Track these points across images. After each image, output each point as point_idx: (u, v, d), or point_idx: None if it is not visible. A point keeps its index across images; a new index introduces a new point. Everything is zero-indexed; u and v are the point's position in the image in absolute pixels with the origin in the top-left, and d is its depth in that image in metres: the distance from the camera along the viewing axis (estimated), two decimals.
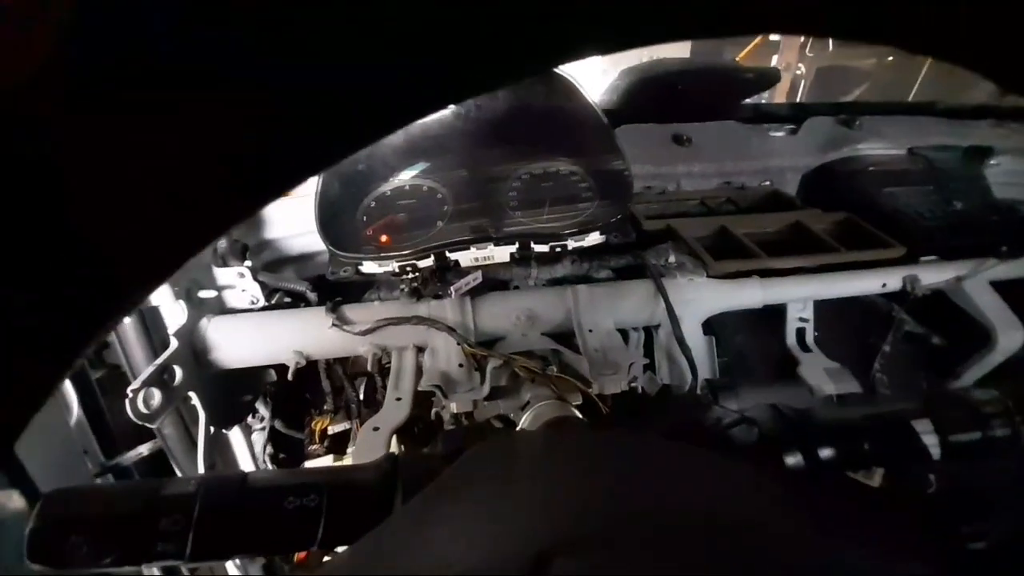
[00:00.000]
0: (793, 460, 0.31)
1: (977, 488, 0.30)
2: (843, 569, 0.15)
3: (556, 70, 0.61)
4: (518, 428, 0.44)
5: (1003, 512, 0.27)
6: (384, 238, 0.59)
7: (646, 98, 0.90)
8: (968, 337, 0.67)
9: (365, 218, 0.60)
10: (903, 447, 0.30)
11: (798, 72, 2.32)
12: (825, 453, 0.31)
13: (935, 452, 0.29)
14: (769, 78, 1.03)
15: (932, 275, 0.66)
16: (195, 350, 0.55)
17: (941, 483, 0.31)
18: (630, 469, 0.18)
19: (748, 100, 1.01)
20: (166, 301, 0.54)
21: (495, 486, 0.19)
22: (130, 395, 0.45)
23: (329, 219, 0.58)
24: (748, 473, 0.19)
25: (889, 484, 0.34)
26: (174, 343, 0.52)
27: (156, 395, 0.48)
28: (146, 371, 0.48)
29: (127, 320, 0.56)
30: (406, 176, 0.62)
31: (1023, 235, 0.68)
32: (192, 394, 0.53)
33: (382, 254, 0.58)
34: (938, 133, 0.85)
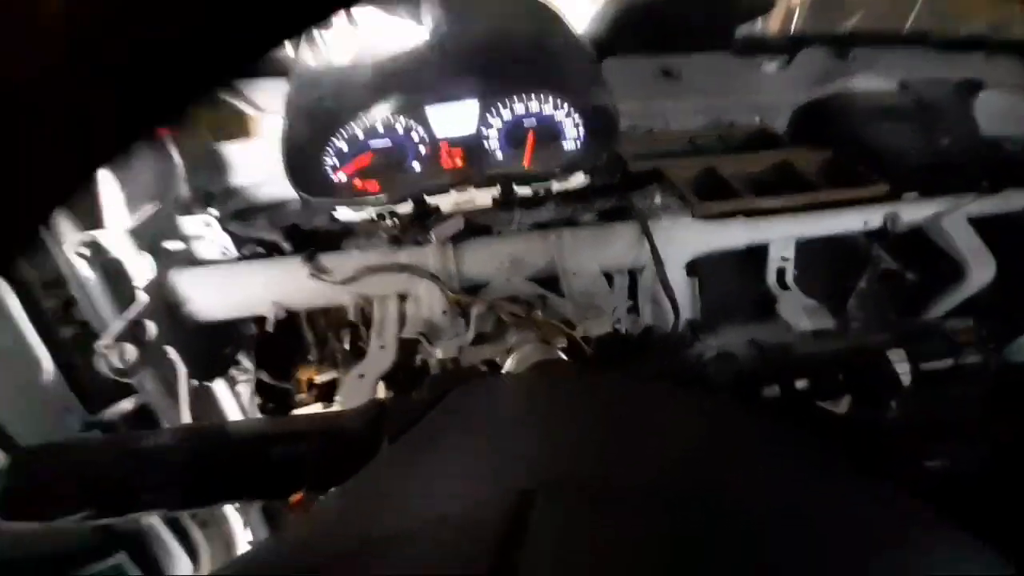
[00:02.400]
0: (770, 392, 0.32)
1: (939, 414, 0.31)
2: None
3: None
4: (503, 371, 0.44)
5: (965, 438, 0.28)
6: (358, 182, 0.56)
7: (633, 27, 0.84)
8: (940, 273, 0.69)
9: (336, 160, 0.57)
10: (876, 376, 0.31)
11: None
12: (801, 384, 0.32)
13: (906, 380, 0.31)
14: (763, 3, 0.97)
15: (913, 212, 0.66)
16: (168, 304, 0.53)
17: (904, 409, 0.32)
18: (613, 412, 0.18)
19: (742, 29, 0.95)
20: (130, 254, 0.51)
21: (478, 427, 0.19)
22: (100, 350, 0.44)
23: (298, 162, 0.55)
24: (729, 417, 0.20)
25: (853, 411, 0.35)
26: (143, 297, 0.50)
27: (131, 350, 0.47)
28: (113, 326, 0.46)
29: (91, 276, 0.53)
30: (378, 113, 0.58)
31: (1005, 171, 0.69)
32: (169, 348, 0.52)
33: (356, 199, 0.55)
34: (930, 66, 0.83)
